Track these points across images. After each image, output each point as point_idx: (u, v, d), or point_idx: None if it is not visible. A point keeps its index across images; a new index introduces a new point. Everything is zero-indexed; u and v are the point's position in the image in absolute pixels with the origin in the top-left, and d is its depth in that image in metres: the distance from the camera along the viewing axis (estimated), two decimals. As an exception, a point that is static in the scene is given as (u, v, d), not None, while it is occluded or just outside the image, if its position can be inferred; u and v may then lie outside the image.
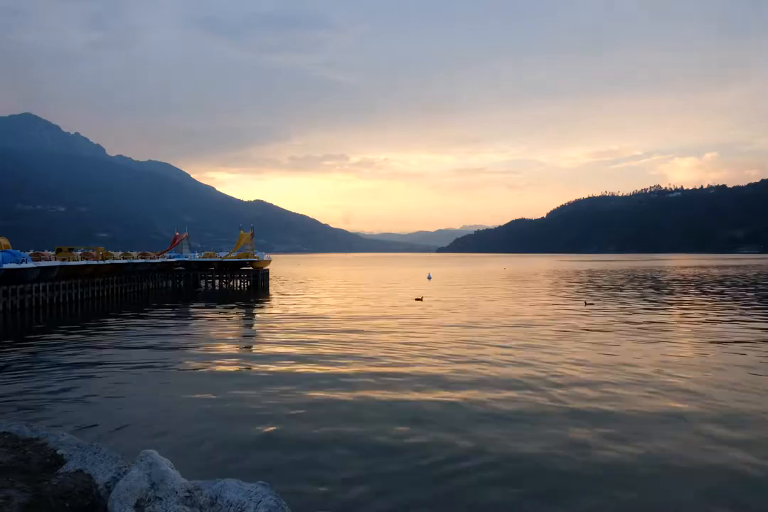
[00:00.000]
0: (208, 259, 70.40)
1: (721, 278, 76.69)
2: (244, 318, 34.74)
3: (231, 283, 65.76)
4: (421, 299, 44.46)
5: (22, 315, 35.75)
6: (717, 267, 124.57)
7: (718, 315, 33.70)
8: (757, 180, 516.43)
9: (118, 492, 5.15)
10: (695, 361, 19.99)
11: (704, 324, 29.86)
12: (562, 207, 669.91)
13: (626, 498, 9.15)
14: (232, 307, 41.43)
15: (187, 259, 70.50)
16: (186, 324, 31.71)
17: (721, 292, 51.64)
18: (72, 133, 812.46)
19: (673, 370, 18.27)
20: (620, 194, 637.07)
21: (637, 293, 51.33)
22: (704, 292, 51.92)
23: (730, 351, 22.07)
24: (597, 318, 32.71)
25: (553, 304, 41.82)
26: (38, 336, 26.46)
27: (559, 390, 15.65)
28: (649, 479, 9.82)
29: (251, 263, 67.50)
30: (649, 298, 45.80)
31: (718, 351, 21.97)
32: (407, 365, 19.37)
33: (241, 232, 73.40)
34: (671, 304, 41.26)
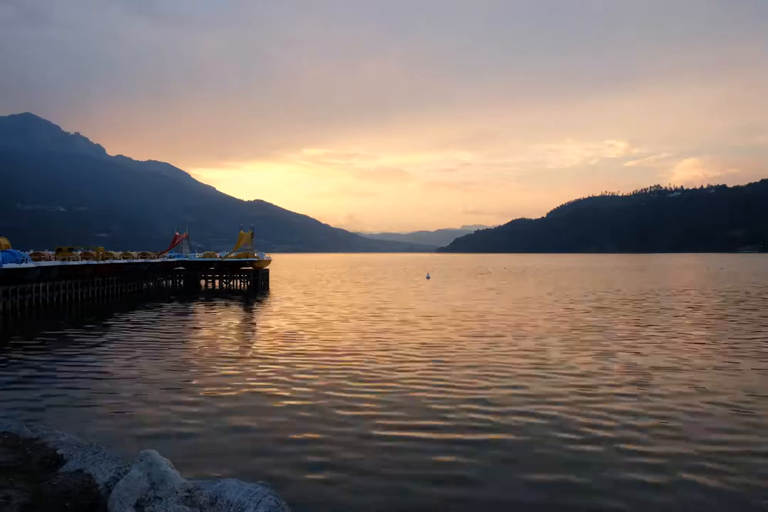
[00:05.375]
0: (208, 259, 70.31)
1: None
2: (245, 318, 34.71)
3: (231, 283, 65.74)
4: None
5: (22, 315, 35.74)
6: None
7: None
8: (757, 180, 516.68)
9: (118, 492, 5.15)
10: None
11: None
12: (562, 207, 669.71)
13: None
14: (233, 306, 41.41)
15: (187, 259, 70.41)
16: (186, 324, 31.67)
17: None
18: (72, 133, 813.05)
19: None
20: (620, 194, 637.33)
21: None
22: None
23: None
24: None
25: None
26: (38, 336, 26.45)
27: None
28: None
29: (251, 263, 67.45)
30: None
31: None
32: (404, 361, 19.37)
33: (241, 231, 73.30)
34: None
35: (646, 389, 15.99)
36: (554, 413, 13.67)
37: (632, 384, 16.64)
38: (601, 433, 12.23)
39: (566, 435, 12.04)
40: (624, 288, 58.12)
